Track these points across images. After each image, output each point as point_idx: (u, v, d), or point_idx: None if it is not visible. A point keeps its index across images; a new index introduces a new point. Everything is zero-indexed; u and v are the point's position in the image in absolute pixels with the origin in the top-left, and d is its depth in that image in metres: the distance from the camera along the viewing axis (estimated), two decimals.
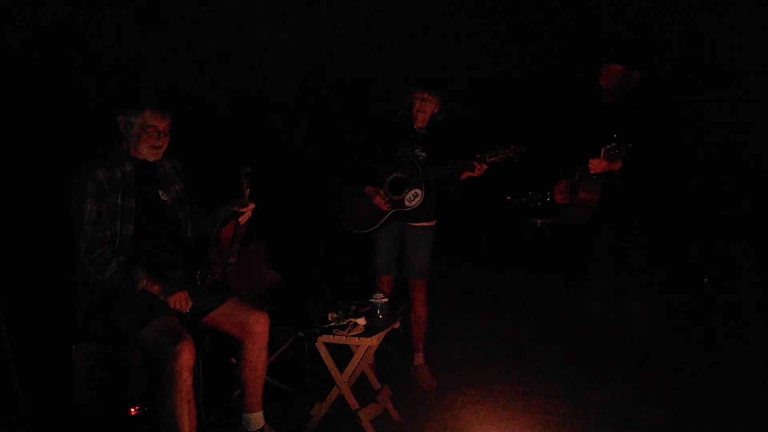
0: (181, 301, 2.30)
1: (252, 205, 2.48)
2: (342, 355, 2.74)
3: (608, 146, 2.52)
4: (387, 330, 2.76)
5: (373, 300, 2.81)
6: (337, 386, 2.68)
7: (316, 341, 2.65)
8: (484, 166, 3.02)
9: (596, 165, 2.61)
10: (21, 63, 3.13)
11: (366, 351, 2.71)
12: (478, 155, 3.02)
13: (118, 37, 3.35)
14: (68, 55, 3.24)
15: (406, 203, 3.15)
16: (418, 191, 3.12)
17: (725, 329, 3.47)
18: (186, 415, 2.12)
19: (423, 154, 3.19)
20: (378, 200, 3.15)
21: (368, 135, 3.32)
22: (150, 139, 2.38)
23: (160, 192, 2.47)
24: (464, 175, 3.07)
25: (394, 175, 3.18)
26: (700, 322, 3.54)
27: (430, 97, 3.14)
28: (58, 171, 2.55)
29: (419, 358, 3.30)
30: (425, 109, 3.15)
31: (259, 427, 2.51)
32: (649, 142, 2.55)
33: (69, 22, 3.14)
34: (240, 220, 2.47)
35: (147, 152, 2.41)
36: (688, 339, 3.38)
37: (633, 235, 2.71)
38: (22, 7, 3.00)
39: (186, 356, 2.12)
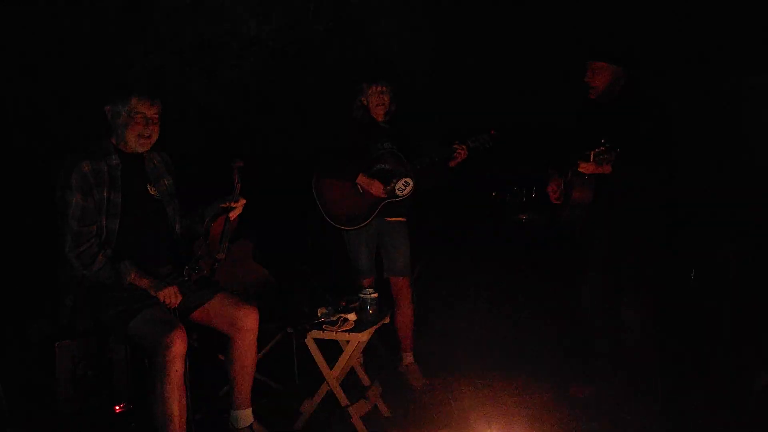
0: (170, 296, 2.26)
1: (243, 201, 2.44)
2: (331, 351, 2.73)
3: (597, 150, 2.53)
4: (377, 325, 2.75)
5: (363, 295, 2.79)
6: (327, 382, 2.66)
7: (306, 337, 2.63)
8: (466, 152, 3.04)
9: (585, 168, 2.62)
10: (3, 56, 3.06)
11: (356, 347, 2.70)
12: (458, 141, 3.04)
13: (103, 29, 3.28)
14: (51, 48, 3.17)
15: (397, 192, 3.13)
16: (409, 180, 3.11)
17: (714, 326, 3.51)
18: (177, 404, 2.10)
19: (394, 146, 3.18)
20: (377, 188, 3.09)
21: (337, 133, 3.26)
22: (137, 127, 2.29)
23: (148, 186, 2.41)
24: (453, 162, 3.07)
25: (378, 166, 3.15)
26: (690, 319, 3.58)
27: (385, 88, 3.16)
28: (42, 163, 2.48)
29: (408, 358, 3.29)
30: (384, 101, 3.16)
31: (247, 424, 2.48)
32: (638, 145, 2.56)
33: (52, 15, 3.06)
34: (230, 215, 2.43)
35: (134, 142, 2.32)
36: (679, 336, 3.42)
37: (625, 234, 2.73)
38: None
39: (178, 345, 2.09)
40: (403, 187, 3.12)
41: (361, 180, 3.12)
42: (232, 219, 2.43)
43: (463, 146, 3.04)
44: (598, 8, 4.00)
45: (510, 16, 4.24)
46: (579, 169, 2.63)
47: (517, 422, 2.71)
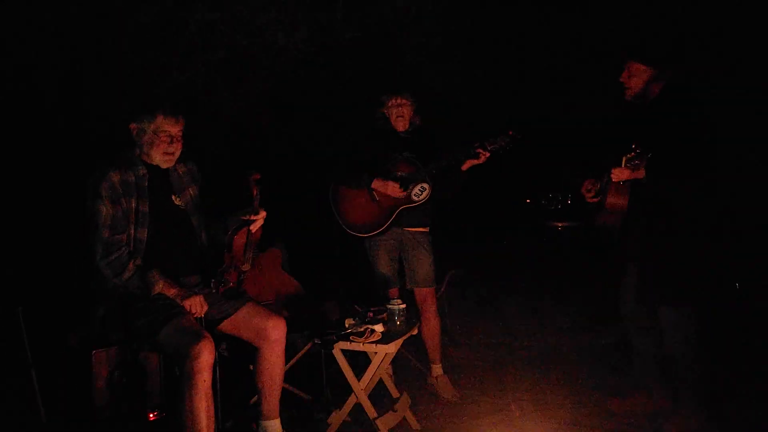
0: (196, 305, 2.28)
1: (263, 213, 2.45)
2: (360, 361, 2.70)
3: (629, 155, 2.46)
4: (405, 337, 2.71)
5: (390, 306, 2.76)
6: (355, 394, 2.64)
7: (333, 348, 2.62)
8: (487, 154, 2.99)
9: (618, 174, 2.55)
10: (38, 67, 3.17)
11: (384, 358, 2.66)
12: (477, 143, 2.99)
13: (140, 44, 3.37)
14: (85, 61, 3.28)
15: (414, 198, 3.10)
16: (425, 185, 3.09)
17: (760, 336, 3.35)
18: (204, 414, 2.11)
19: (413, 155, 3.16)
20: (393, 188, 3.08)
21: (356, 143, 3.27)
22: (162, 145, 2.36)
23: (173, 197, 2.46)
24: (466, 165, 3.03)
25: (395, 173, 3.13)
26: (737, 325, 3.42)
27: (405, 101, 3.15)
28: (76, 175, 2.55)
29: (437, 369, 3.23)
30: (403, 113, 3.16)
31: None
32: (671, 149, 2.47)
33: (86, 28, 3.17)
34: (251, 228, 2.44)
35: (160, 158, 2.39)
36: (722, 346, 3.27)
37: (663, 240, 2.63)
38: (40, 12, 3.03)
39: (206, 355, 2.10)
40: (420, 192, 3.09)
41: (377, 184, 3.11)
42: (253, 231, 2.45)
43: (483, 149, 2.98)
44: (639, 7, 3.88)
45: (544, 18, 4.15)
46: (612, 176, 2.56)
47: None
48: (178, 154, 2.41)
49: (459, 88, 4.29)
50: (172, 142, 2.37)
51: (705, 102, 2.58)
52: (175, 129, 2.37)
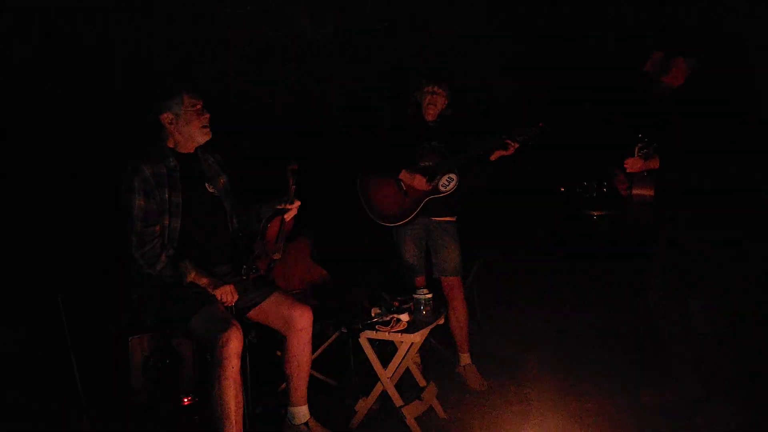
0: (227, 294, 2.34)
1: (297, 203, 2.49)
2: (389, 349, 2.72)
3: (639, 145, 2.47)
4: (431, 326, 2.72)
5: (417, 296, 2.77)
6: (381, 382, 2.66)
7: (360, 336, 2.65)
8: (516, 145, 2.98)
9: (632, 164, 2.54)
10: (71, 59, 3.26)
11: (410, 347, 2.68)
12: (505, 134, 2.98)
13: (168, 34, 3.44)
14: (119, 56, 3.37)
15: (441, 188, 3.10)
16: (453, 176, 3.08)
17: None
18: (233, 400, 2.16)
19: (441, 145, 3.16)
20: (419, 181, 3.09)
21: (384, 132, 3.28)
22: (201, 118, 2.43)
23: (207, 185, 2.51)
24: (495, 155, 3.01)
25: (423, 163, 3.13)
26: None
27: (440, 91, 3.13)
28: (115, 166, 2.62)
29: (465, 358, 3.24)
30: (436, 102, 3.15)
31: (303, 421, 2.53)
32: (684, 137, 2.42)
33: (117, 24, 3.25)
34: (285, 217, 2.48)
35: (200, 133, 2.45)
36: (755, 336, 3.15)
37: (691, 230, 2.56)
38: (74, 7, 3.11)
39: (234, 342, 2.16)
40: (447, 183, 3.08)
41: (404, 176, 3.12)
42: (287, 220, 2.48)
43: (512, 140, 2.96)
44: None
45: (576, 7, 4.05)
46: (626, 167, 2.55)
47: (579, 427, 2.59)
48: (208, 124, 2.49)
49: (489, 78, 4.23)
50: (203, 113, 2.45)
51: (729, 89, 2.50)
52: (200, 102, 2.45)
